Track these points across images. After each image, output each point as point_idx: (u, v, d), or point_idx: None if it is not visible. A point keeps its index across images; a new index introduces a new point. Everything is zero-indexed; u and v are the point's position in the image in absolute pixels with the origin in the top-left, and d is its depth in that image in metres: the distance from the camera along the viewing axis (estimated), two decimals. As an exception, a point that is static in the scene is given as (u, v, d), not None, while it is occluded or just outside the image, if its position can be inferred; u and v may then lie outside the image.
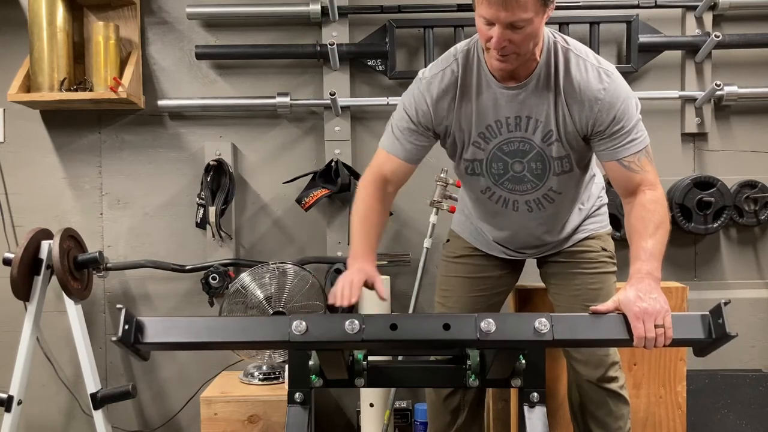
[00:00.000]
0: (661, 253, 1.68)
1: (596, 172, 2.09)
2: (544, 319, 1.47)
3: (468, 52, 1.81)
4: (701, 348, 1.60)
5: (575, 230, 2.07)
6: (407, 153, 1.89)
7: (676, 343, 1.57)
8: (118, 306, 1.52)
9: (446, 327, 1.48)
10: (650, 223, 1.70)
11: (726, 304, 1.52)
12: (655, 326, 1.52)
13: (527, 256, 2.14)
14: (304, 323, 1.47)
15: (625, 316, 1.55)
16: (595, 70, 1.74)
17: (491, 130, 1.82)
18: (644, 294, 1.55)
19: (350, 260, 1.87)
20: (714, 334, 1.53)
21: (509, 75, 1.75)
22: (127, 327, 1.50)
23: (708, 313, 1.55)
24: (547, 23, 2.87)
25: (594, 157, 1.94)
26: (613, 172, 1.80)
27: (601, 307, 1.59)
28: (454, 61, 1.81)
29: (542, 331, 1.47)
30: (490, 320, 1.46)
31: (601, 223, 2.12)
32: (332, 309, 1.85)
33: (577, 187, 1.98)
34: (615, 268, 2.11)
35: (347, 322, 1.46)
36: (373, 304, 2.71)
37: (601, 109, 1.73)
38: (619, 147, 1.76)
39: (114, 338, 1.49)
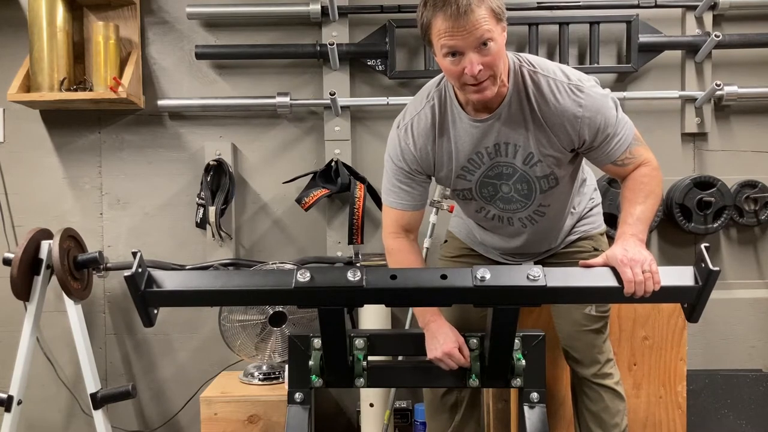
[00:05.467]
0: (648, 219, 1.73)
1: (588, 174, 2.11)
2: (536, 268, 1.53)
3: (440, 92, 1.82)
4: (692, 305, 1.62)
5: (568, 233, 2.09)
6: (414, 201, 1.92)
7: (666, 293, 1.59)
8: (133, 251, 1.52)
9: (443, 277, 1.55)
10: (640, 193, 1.75)
11: (707, 248, 1.58)
12: (642, 272, 1.56)
13: (523, 261, 2.15)
14: (308, 273, 1.53)
15: (614, 270, 1.59)
16: (566, 88, 1.74)
17: (473, 163, 1.84)
18: (629, 248, 1.61)
19: (423, 319, 1.91)
20: (700, 279, 1.57)
21: (483, 106, 1.76)
22: (140, 270, 1.51)
23: (692, 266, 1.60)
24: (547, 23, 2.94)
25: (584, 160, 1.96)
26: (610, 170, 1.85)
27: (590, 261, 1.64)
28: (427, 103, 1.83)
29: (536, 277, 1.51)
30: (486, 269, 1.53)
31: (594, 224, 2.14)
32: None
33: (567, 196, 2.00)
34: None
35: (350, 272, 1.53)
36: (375, 308, 2.72)
37: (582, 125, 1.74)
38: (609, 152, 1.79)
39: (127, 273, 1.47)
